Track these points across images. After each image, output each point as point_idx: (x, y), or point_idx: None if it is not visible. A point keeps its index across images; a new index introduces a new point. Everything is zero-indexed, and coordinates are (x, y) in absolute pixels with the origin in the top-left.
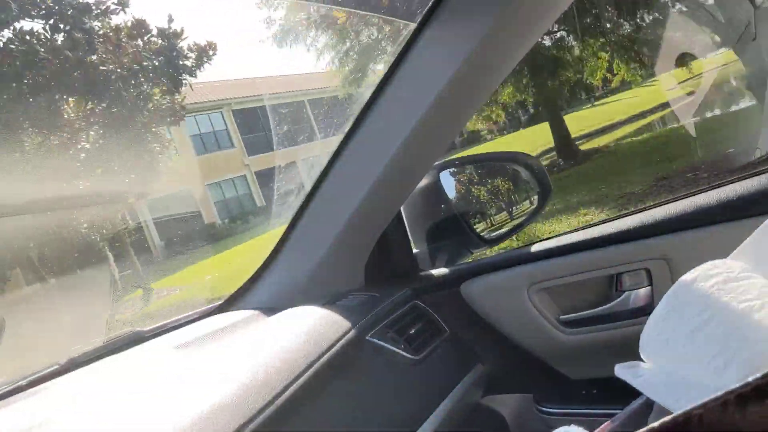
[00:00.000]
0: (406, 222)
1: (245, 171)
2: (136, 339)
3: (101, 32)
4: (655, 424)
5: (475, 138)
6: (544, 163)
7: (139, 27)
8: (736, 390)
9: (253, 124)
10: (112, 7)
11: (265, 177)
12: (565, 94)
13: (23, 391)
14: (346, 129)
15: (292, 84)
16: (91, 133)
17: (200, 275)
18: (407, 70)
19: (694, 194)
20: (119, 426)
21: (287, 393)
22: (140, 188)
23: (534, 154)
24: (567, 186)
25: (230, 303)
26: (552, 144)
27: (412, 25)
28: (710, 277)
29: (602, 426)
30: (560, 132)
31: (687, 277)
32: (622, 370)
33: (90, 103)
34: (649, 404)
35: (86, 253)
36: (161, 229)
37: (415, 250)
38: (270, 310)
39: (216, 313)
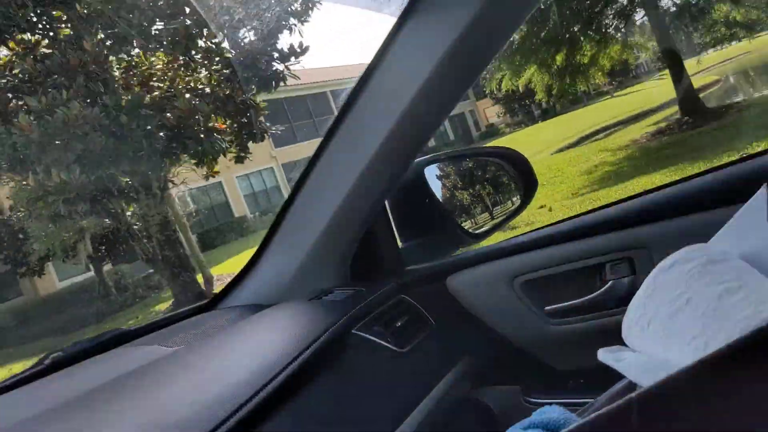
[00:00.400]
0: (391, 218)
1: (272, 163)
2: (122, 338)
3: None
4: (633, 394)
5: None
6: (662, 124)
7: None
8: (706, 359)
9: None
10: None
11: (291, 169)
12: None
13: (6, 392)
14: (330, 125)
15: (316, 75)
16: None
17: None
18: (388, 64)
19: (674, 184)
20: (101, 426)
21: (270, 387)
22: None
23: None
24: (724, 141)
25: (216, 301)
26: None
27: (393, 19)
28: (689, 260)
29: (584, 407)
30: (684, 85)
31: (666, 261)
32: (605, 355)
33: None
34: (632, 386)
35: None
36: (194, 221)
37: (401, 246)
38: (256, 306)
39: (202, 312)
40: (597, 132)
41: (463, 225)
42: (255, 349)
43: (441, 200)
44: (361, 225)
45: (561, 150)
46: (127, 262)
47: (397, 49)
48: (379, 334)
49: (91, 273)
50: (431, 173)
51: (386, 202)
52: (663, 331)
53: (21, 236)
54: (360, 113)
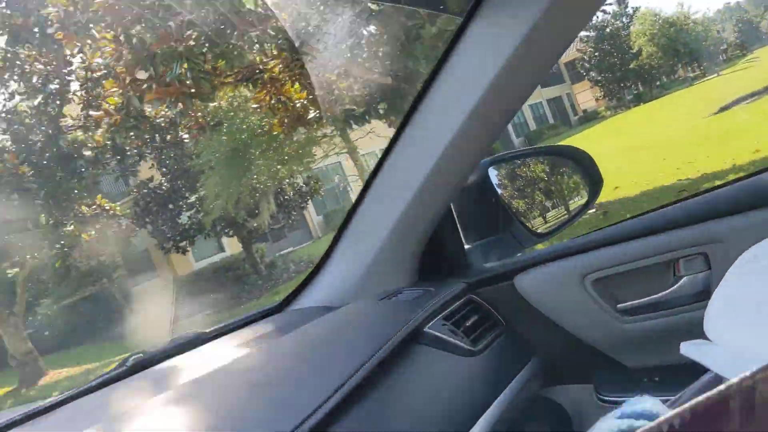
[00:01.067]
0: (456, 218)
1: (385, 145)
2: (199, 340)
3: None
4: (732, 382)
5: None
6: None
7: None
8: None
9: None
10: None
11: None
12: None
13: (93, 392)
14: (398, 126)
15: None
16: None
17: None
18: (456, 64)
19: (748, 177)
20: (179, 426)
21: (346, 388)
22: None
23: None
24: None
25: (286, 303)
26: None
27: (459, 20)
28: None
29: (672, 399)
30: None
31: (748, 254)
32: (688, 348)
33: None
34: (718, 380)
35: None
36: (316, 202)
37: (466, 246)
38: (325, 308)
39: (273, 314)
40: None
41: (528, 224)
42: (328, 349)
43: (505, 200)
44: (428, 225)
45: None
46: (262, 242)
47: (463, 49)
48: (451, 333)
49: (225, 253)
50: (495, 173)
51: (450, 203)
52: (750, 324)
53: (170, 206)
54: (427, 114)
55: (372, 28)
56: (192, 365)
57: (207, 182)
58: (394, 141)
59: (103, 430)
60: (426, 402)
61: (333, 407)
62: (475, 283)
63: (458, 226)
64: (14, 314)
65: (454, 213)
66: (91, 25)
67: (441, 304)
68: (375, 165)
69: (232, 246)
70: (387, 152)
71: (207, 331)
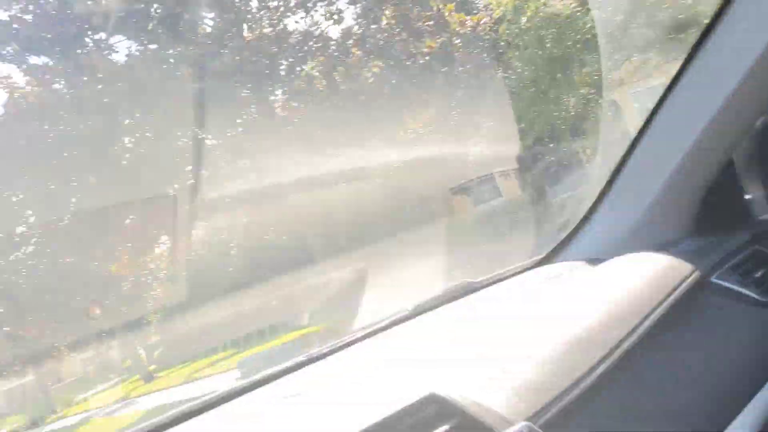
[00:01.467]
0: (737, 166)
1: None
2: (470, 289)
3: None
4: None
5: None
6: None
7: None
8: None
9: None
10: None
11: None
12: None
13: (383, 331)
14: (675, 70)
15: None
16: None
17: None
18: (741, 6)
19: None
20: (469, 363)
21: (638, 333)
22: None
23: None
24: None
25: (553, 255)
26: None
27: None
28: None
29: None
30: None
31: None
32: None
33: None
34: None
35: None
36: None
37: (747, 196)
38: (595, 260)
39: (539, 266)
40: None
41: None
42: (609, 297)
43: None
44: (709, 175)
45: None
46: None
47: None
48: (740, 283)
49: (502, 198)
50: None
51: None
52: None
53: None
54: (710, 58)
55: None
56: (467, 311)
57: (523, 101)
58: (672, 84)
59: (393, 367)
60: (716, 350)
61: (624, 352)
62: (762, 234)
63: (740, 174)
64: None
65: (734, 161)
66: None
67: (725, 254)
68: (650, 110)
69: (507, 191)
70: (664, 97)
71: (477, 280)
